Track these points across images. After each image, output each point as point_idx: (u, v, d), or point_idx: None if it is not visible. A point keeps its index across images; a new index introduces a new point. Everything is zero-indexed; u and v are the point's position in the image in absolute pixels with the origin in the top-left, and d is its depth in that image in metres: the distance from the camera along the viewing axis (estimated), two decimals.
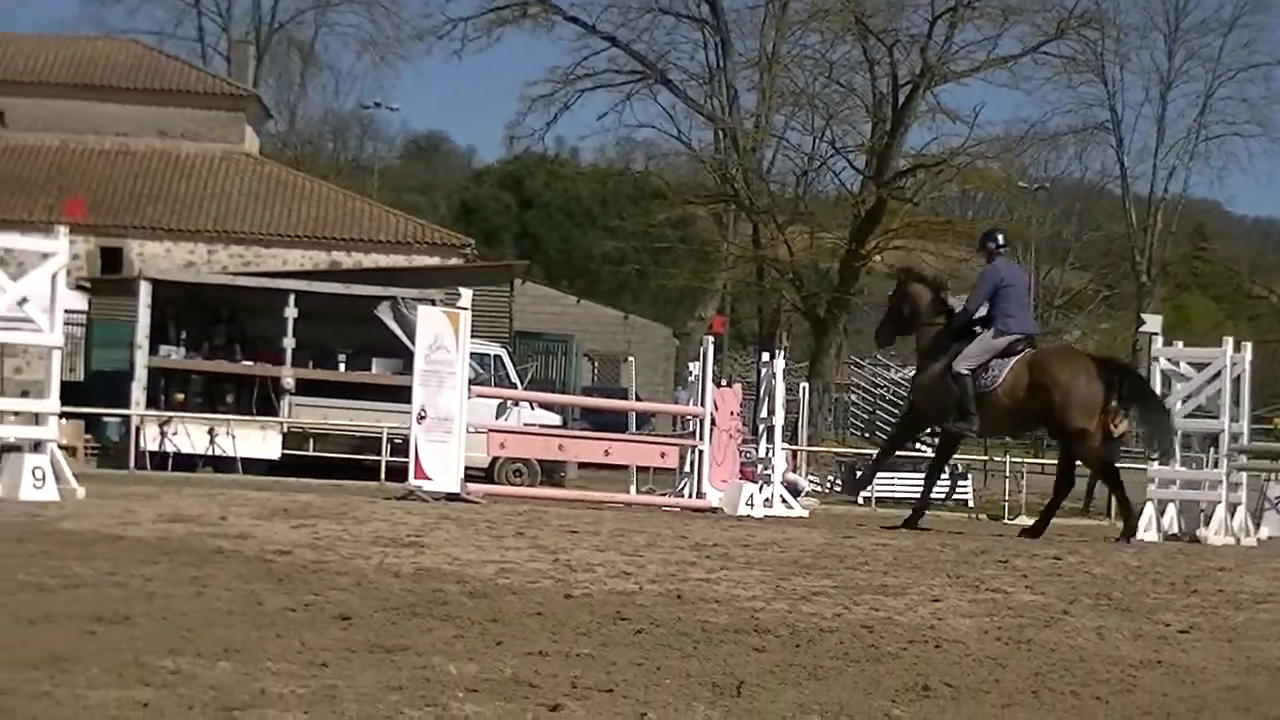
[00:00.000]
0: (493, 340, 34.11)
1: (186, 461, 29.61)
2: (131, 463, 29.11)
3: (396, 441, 28.28)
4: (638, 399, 33.86)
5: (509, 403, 30.07)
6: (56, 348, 18.62)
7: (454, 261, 54.19)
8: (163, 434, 30.08)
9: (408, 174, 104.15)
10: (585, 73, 54.44)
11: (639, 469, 27.24)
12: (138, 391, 30.55)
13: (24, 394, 22.52)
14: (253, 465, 29.61)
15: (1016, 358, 18.93)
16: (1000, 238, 20.03)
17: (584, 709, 7.21)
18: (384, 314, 31.19)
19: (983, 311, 19.22)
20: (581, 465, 32.41)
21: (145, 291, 31.54)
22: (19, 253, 23.81)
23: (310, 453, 30.94)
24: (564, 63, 57.33)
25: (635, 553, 13.89)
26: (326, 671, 7.76)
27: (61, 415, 20.58)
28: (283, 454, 30.68)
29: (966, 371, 18.80)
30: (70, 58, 61.50)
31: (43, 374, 18.95)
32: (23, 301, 18.32)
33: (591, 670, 8.13)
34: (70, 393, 25.77)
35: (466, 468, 21.38)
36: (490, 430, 23.74)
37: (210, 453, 30.07)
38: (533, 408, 33.23)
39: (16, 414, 20.91)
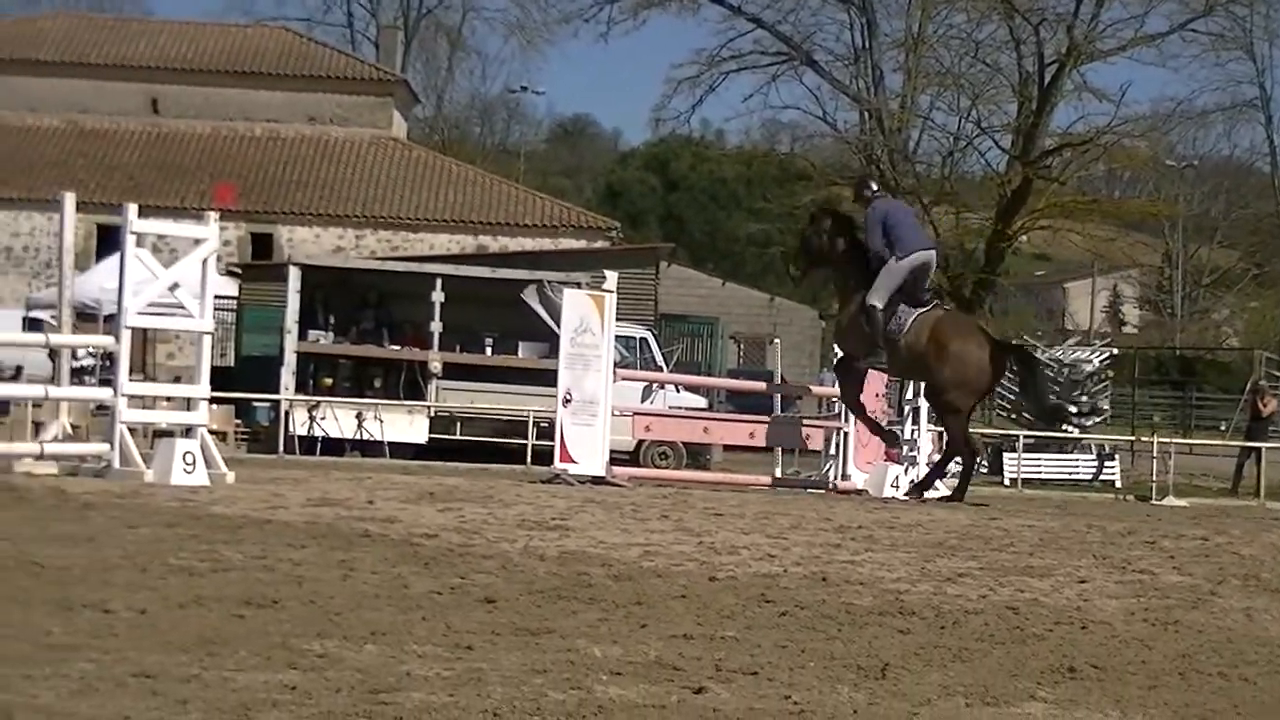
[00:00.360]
0: (638, 323, 34.12)
1: (334, 446, 29.87)
2: (280, 447, 29.41)
3: (542, 425, 28.38)
4: (783, 381, 33.73)
5: (654, 385, 30.10)
6: (207, 333, 18.86)
7: (599, 244, 54.33)
8: (311, 418, 30.35)
9: (554, 157, 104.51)
10: (730, 55, 54.22)
11: (784, 451, 27.16)
12: (287, 376, 30.83)
13: (176, 379, 22.82)
14: (400, 449, 29.82)
15: (924, 311, 19.77)
16: (873, 185, 21.13)
17: (728, 692, 7.22)
18: (530, 297, 31.29)
19: (881, 248, 19.87)
20: (726, 448, 32.35)
21: (294, 277, 31.81)
22: (171, 239, 24.14)
23: (457, 437, 31.12)
24: (709, 45, 57.23)
25: (780, 535, 13.86)
26: (471, 654, 7.82)
27: (212, 400, 20.86)
28: (429, 438, 30.86)
29: (879, 305, 19.50)
30: (221, 45, 62.23)
31: (194, 359, 19.20)
32: (174, 287, 18.58)
33: (735, 653, 8.13)
34: (220, 378, 26.12)
35: (611, 451, 21.43)
36: (635, 413, 23.76)
37: (358, 437, 30.31)
38: (678, 390, 33.25)
39: (169, 399, 21.23)
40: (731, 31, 54.07)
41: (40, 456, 17.95)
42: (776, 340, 41.01)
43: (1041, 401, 23.27)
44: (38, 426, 22.33)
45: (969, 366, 19.67)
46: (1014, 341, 22.25)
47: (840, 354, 21.59)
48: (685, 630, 8.73)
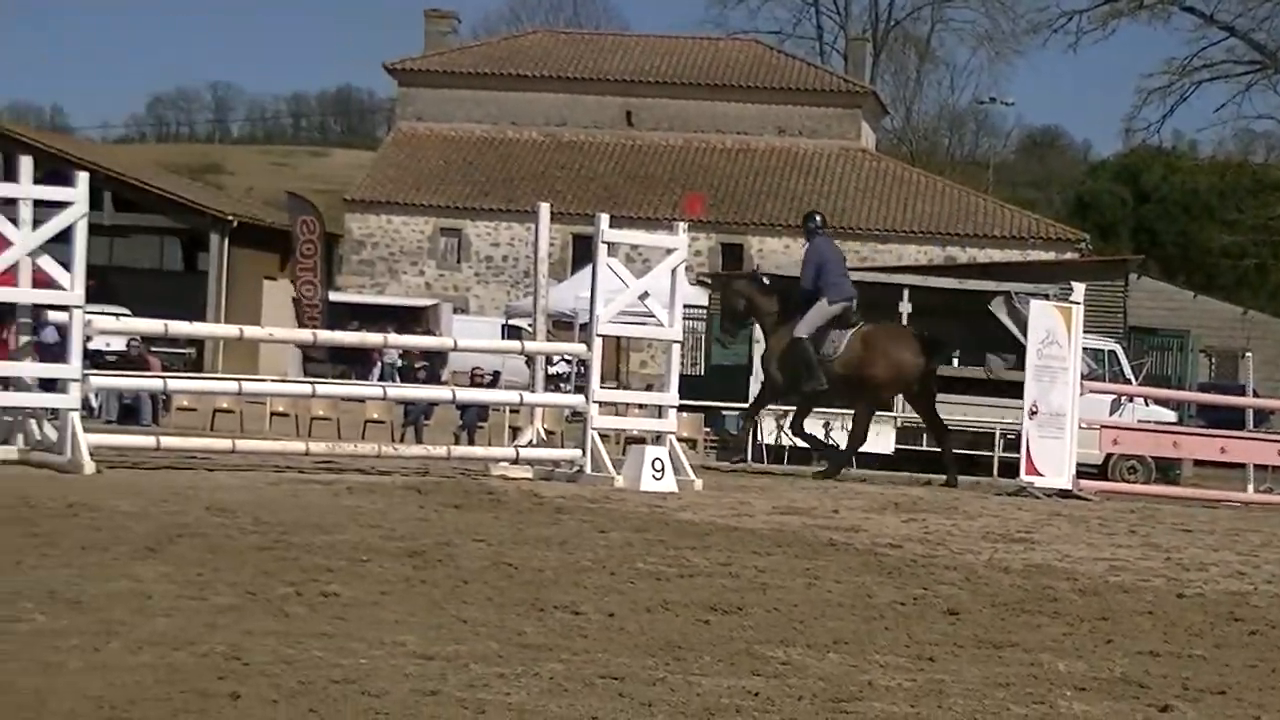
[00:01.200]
0: (1106, 335, 33.51)
1: (801, 455, 30.03)
2: (748, 455, 29.68)
3: (1009, 437, 28.06)
4: (1255, 395, 32.69)
5: (1123, 398, 29.51)
6: (676, 342, 19.22)
7: (1068, 256, 53.53)
8: (779, 428, 30.57)
9: (1022, 169, 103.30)
10: (1202, 63, 52.96)
11: (1257, 467, 26.34)
12: (755, 385, 31.12)
13: (648, 388, 23.26)
14: (866, 459, 29.85)
15: (852, 331, 21.18)
16: (818, 219, 22.46)
17: (1195, 711, 7.08)
18: (997, 309, 30.97)
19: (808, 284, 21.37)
20: (1197, 463, 31.51)
21: None
22: (644, 249, 24.64)
23: (923, 448, 30.99)
24: (1180, 53, 55.92)
25: (1250, 552, 13.51)
26: (933, 665, 7.82)
27: (681, 408, 21.23)
28: (895, 448, 30.80)
29: (806, 335, 20.97)
30: (694, 59, 63.27)
31: (664, 368, 19.58)
32: (644, 296, 18.98)
33: (1203, 672, 7.97)
34: (690, 386, 26.47)
35: (1078, 464, 21.11)
36: (1103, 426, 23.34)
37: (825, 445, 30.43)
38: (1147, 404, 32.52)
39: (641, 407, 21.68)
40: (1203, 40, 52.82)
41: (516, 461, 18.54)
42: (1249, 354, 39.80)
43: None
44: (514, 431, 23.09)
45: (904, 367, 21.36)
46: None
47: (768, 382, 22.98)
48: (1151, 647, 8.58)
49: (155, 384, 23.72)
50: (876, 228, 57.45)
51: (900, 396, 24.46)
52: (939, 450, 22.95)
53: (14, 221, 16.82)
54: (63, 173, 20.57)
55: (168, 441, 18.23)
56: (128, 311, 38.28)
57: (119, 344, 32.25)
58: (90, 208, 17.19)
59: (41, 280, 17.23)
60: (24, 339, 17.62)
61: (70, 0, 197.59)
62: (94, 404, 26.85)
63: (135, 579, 9.41)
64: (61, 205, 16.89)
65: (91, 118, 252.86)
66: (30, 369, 17.54)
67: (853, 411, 22.96)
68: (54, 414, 16.79)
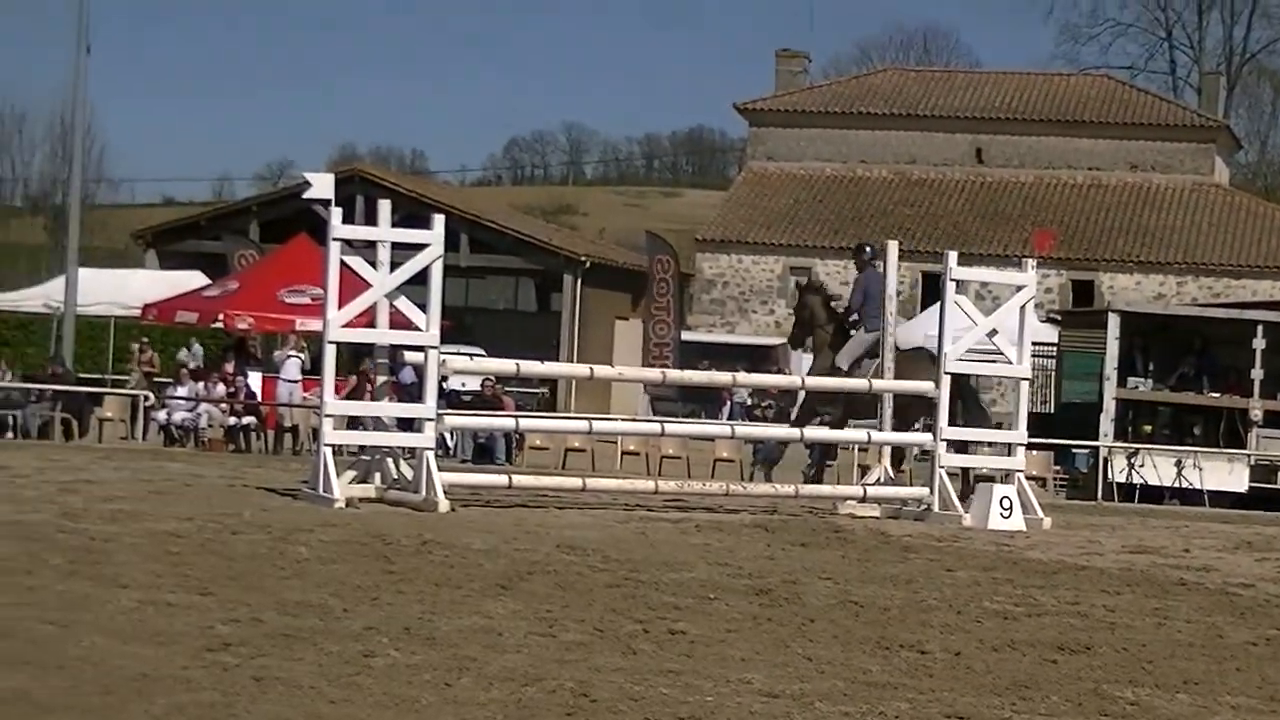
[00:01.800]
0: None
1: (1153, 493, 29.46)
2: (1099, 494, 29.21)
3: None
4: None
5: None
6: (1024, 379, 19.03)
7: None
8: (1130, 466, 30.02)
9: None
10: None
11: None
12: (1106, 423, 30.63)
13: (997, 426, 23.07)
14: (1219, 498, 29.14)
15: (875, 364, 21.11)
16: (869, 249, 22.79)
17: None
18: None
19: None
20: None
21: (1114, 324, 31.56)
22: (993, 286, 24.39)
23: (1277, 486, 30.16)
24: None
25: None
26: None
27: (1030, 446, 20.99)
28: (1250, 487, 30.04)
29: (846, 366, 21.71)
30: (1045, 94, 62.53)
31: (1012, 405, 19.39)
32: (992, 334, 18.84)
33: None
34: (1040, 424, 26.12)
35: None
36: None
37: (1176, 485, 29.78)
38: None
39: (989, 445, 21.50)
40: None
41: (863, 499, 18.53)
42: None
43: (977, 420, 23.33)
44: (863, 470, 23.05)
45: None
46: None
47: (807, 401, 23.74)
48: None
49: (508, 423, 24.23)
50: (1230, 263, 56.04)
51: None
52: None
53: (373, 264, 17.35)
54: (420, 216, 21.16)
55: (520, 480, 18.58)
56: (482, 352, 39.16)
57: (474, 384, 32.96)
58: (446, 249, 17.66)
59: (399, 321, 17.74)
60: (382, 379, 18.14)
61: (431, 48, 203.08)
62: (449, 443, 27.48)
63: (486, 615, 9.64)
64: (419, 247, 17.37)
65: (450, 161, 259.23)
66: (388, 409, 18.05)
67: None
68: (410, 453, 17.24)
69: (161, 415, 29.72)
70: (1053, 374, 38.16)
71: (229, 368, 30.97)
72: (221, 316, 32.12)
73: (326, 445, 16.84)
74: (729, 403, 41.57)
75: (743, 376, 25.47)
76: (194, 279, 41.38)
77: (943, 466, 18.14)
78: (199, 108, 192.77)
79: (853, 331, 22.30)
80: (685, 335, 47.32)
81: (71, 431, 28.99)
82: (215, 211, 62.67)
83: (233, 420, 29.63)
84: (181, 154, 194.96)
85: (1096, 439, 30.47)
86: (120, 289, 43.01)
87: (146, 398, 30.47)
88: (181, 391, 30.26)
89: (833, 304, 23.37)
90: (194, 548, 12.12)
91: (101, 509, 14.61)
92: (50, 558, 11.22)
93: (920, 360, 23.14)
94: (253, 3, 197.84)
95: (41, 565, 10.86)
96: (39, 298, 45.47)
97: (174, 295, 38.14)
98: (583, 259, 56.22)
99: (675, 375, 26.71)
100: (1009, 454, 18.84)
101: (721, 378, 26.62)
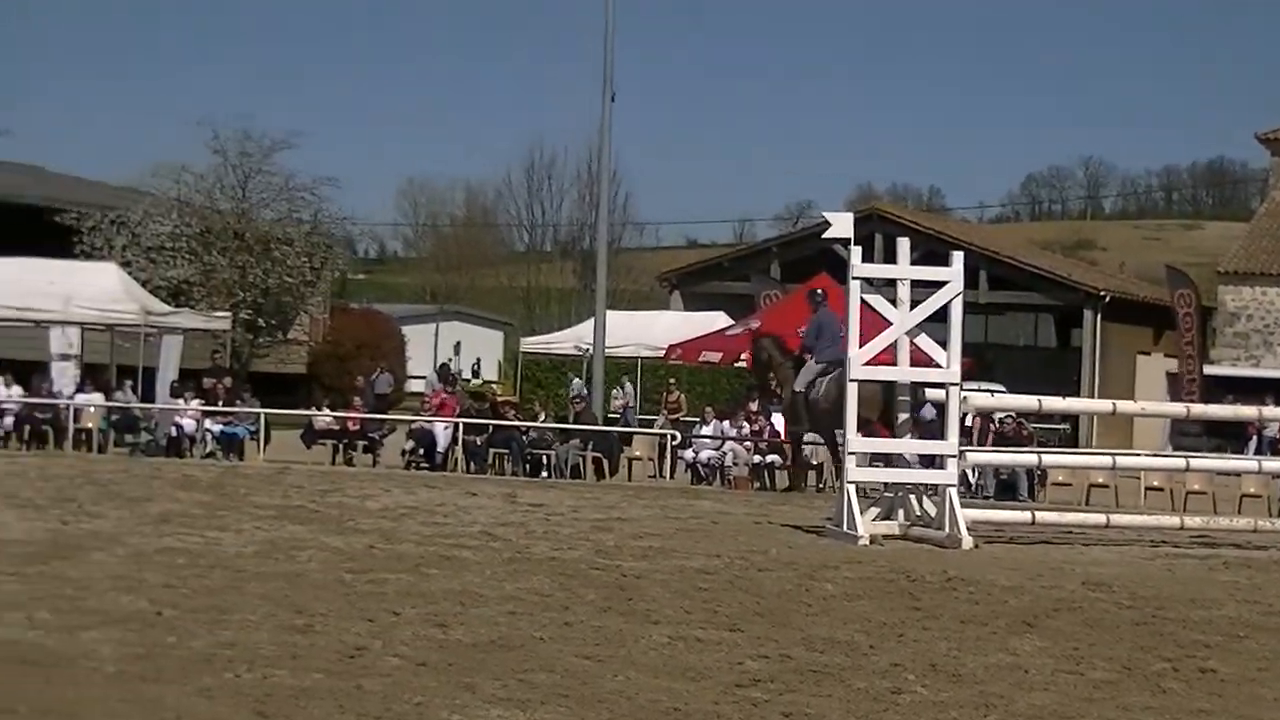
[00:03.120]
0: None
1: None
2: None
3: None
4: None
5: None
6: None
7: None
8: None
9: None
10: None
11: None
12: None
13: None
14: None
15: (829, 377, 23.02)
16: (819, 293, 25.53)
17: None
18: None
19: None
20: None
21: None
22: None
23: None
24: None
25: None
26: None
27: None
28: None
29: (800, 389, 23.90)
30: None
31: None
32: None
33: None
34: None
35: None
36: None
37: None
38: None
39: None
40: None
41: None
42: None
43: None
44: None
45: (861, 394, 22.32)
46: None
47: (787, 425, 26.64)
48: None
49: (1030, 459, 24.05)
50: None
51: None
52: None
53: (893, 301, 17.51)
54: (939, 253, 21.24)
55: (1042, 516, 18.47)
56: (1003, 388, 38.91)
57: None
58: (965, 286, 17.70)
59: (919, 359, 17.85)
60: (904, 416, 18.27)
61: (949, 87, 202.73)
62: (971, 480, 27.41)
63: (1013, 652, 9.66)
64: (938, 285, 17.46)
65: (968, 198, 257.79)
66: (910, 446, 18.16)
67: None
68: (933, 490, 17.32)
69: (688, 454, 30.43)
70: None
71: (753, 406, 31.49)
72: (744, 356, 32.68)
73: (850, 483, 17.07)
74: (1255, 437, 40.34)
75: (1270, 411, 24.71)
76: (717, 319, 42.22)
77: None
78: (720, 151, 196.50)
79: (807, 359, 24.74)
80: (1208, 369, 46.20)
81: (603, 470, 29.89)
82: (737, 253, 63.90)
83: (757, 458, 30.15)
84: (704, 197, 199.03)
85: None
86: (646, 330, 44.22)
87: (674, 437, 31.24)
88: (707, 431, 30.93)
89: (787, 346, 26.06)
90: (722, 584, 12.43)
91: (633, 546, 15.10)
92: (585, 593, 11.67)
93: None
94: (777, 50, 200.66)
95: (577, 601, 11.31)
96: (570, 340, 47.12)
97: (698, 335, 39.02)
98: (1102, 294, 55.41)
99: (1199, 410, 26.13)
100: None
101: (1247, 412, 25.92)
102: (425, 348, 70.31)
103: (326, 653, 8.95)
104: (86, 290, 34.75)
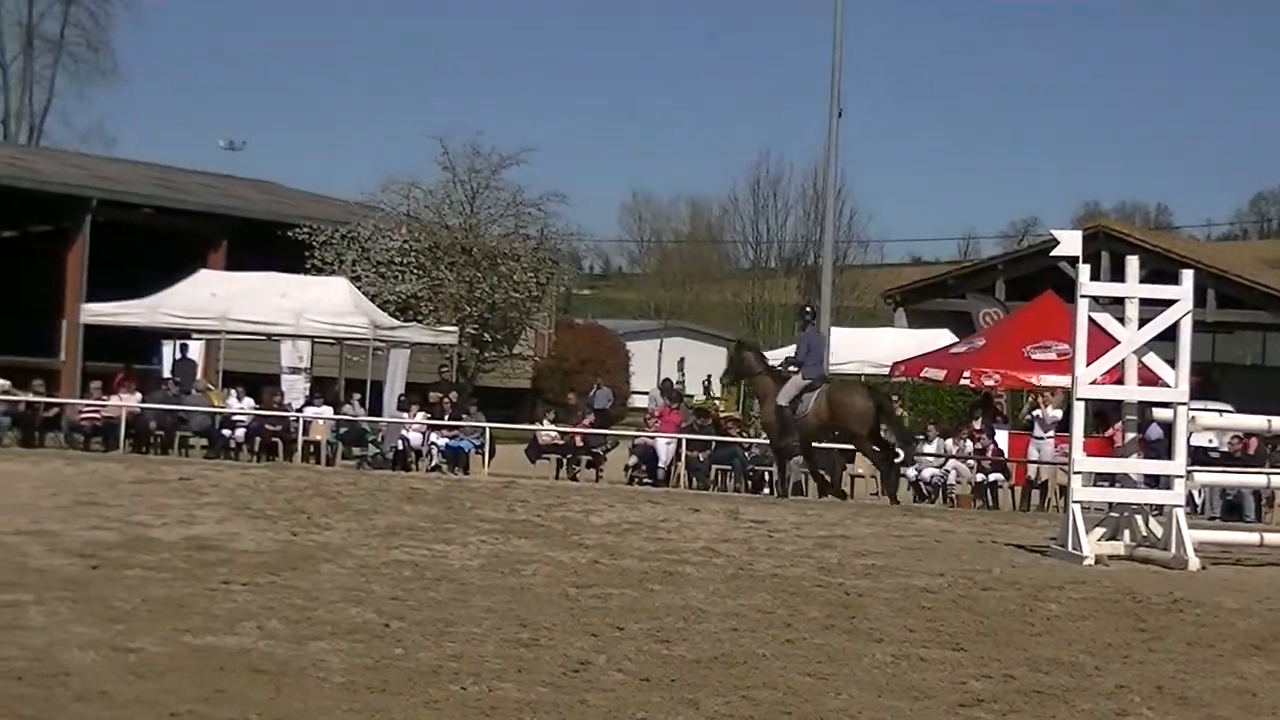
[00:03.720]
0: None
1: None
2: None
3: None
4: None
5: None
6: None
7: None
8: None
9: None
10: None
11: None
12: None
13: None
14: None
15: (816, 392, 25.83)
16: (809, 311, 28.36)
17: None
18: None
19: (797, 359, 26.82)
20: None
21: None
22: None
23: None
24: None
25: None
26: None
27: None
28: None
29: (786, 403, 25.91)
30: None
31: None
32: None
33: None
34: None
35: None
36: None
37: None
38: None
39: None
40: None
41: None
42: None
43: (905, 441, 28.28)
44: None
45: (854, 408, 26.31)
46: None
47: (769, 438, 27.96)
48: None
49: (1259, 480, 23.65)
50: None
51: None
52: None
53: (1120, 320, 17.34)
54: (1166, 271, 20.97)
55: (1271, 538, 18.16)
56: (1231, 408, 38.25)
57: (1222, 441, 32.25)
58: (1194, 305, 17.47)
59: (1146, 377, 17.65)
60: (1129, 435, 18.07)
61: (1165, 103, 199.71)
62: (1197, 500, 27.01)
63: (1240, 675, 9.55)
64: (1166, 303, 17.26)
65: (1195, 216, 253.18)
66: (1136, 465, 17.96)
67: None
68: (1159, 510, 17.12)
69: (911, 472, 30.31)
70: None
71: (976, 424, 31.31)
72: (968, 373, 32.51)
73: (1075, 502, 16.93)
74: None
75: None
76: (941, 337, 41.99)
77: None
78: (945, 169, 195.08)
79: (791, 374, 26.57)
80: None
81: (824, 488, 29.88)
82: (961, 270, 63.45)
83: (980, 476, 29.95)
84: (929, 214, 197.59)
85: None
86: (870, 347, 44.12)
87: (897, 454, 31.13)
88: (930, 449, 30.79)
89: (763, 356, 28.35)
90: (946, 603, 12.40)
91: (855, 564, 15.10)
92: (808, 611, 11.70)
93: (854, 385, 28.89)
94: (1003, 66, 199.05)
95: (800, 618, 11.35)
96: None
97: (922, 353, 38.87)
98: None
99: None
100: None
101: None
102: (649, 363, 70.66)
103: (551, 666, 9.08)
104: (318, 304, 35.45)
